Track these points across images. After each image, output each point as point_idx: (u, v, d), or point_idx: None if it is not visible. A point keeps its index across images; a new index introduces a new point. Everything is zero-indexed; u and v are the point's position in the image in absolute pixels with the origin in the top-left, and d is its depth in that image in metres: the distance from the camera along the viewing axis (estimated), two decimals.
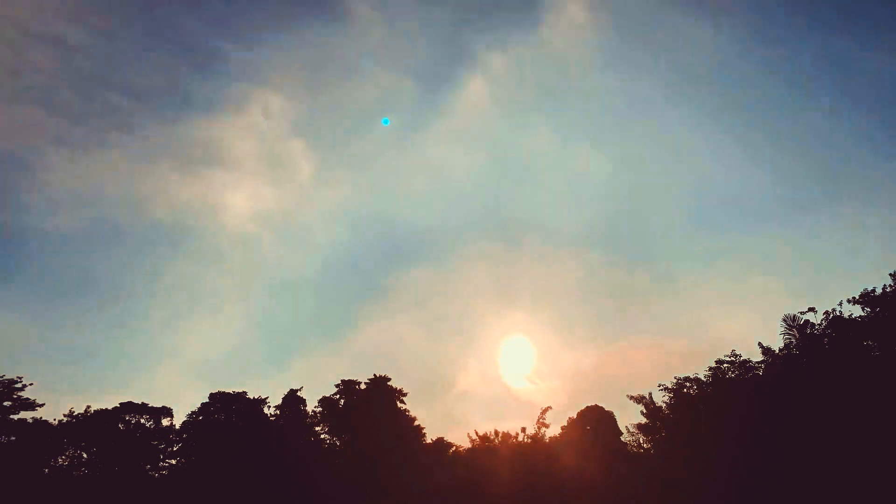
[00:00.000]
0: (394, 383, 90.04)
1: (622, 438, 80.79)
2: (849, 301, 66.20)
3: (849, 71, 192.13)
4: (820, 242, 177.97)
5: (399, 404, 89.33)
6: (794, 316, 68.89)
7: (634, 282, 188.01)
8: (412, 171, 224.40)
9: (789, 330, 69.03)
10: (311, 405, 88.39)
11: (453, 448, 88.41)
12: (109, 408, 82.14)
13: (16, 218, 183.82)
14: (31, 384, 75.54)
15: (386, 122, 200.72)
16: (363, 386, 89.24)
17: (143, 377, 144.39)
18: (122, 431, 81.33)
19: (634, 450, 79.38)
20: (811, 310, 68.81)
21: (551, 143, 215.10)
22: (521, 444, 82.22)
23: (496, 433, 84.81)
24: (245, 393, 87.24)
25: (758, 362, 71.46)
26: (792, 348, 68.51)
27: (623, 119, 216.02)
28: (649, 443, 78.93)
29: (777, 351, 69.91)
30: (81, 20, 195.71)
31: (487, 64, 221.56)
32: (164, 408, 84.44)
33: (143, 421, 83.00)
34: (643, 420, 79.69)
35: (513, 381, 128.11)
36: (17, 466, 72.44)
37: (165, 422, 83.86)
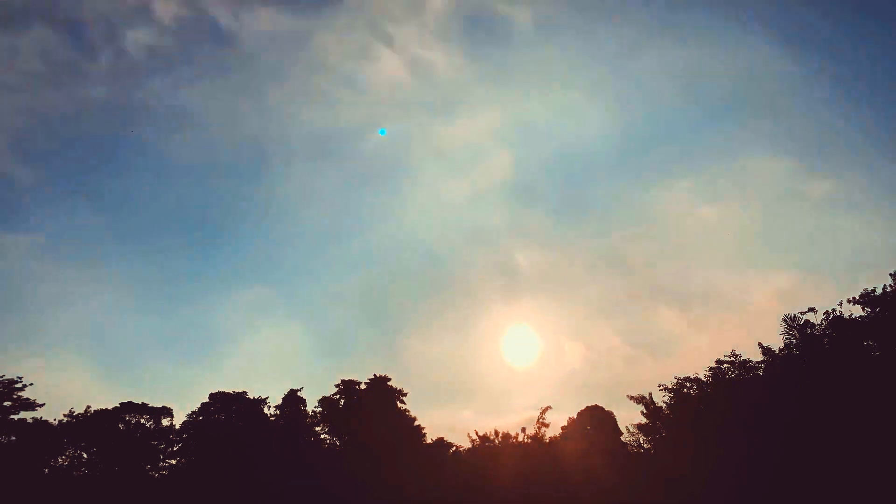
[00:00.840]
0: (394, 383, 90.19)
1: (622, 438, 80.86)
2: (849, 301, 66.44)
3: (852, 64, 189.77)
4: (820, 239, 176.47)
5: (399, 404, 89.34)
6: (795, 316, 69.10)
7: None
8: None
9: (789, 330, 69.22)
10: (311, 405, 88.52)
11: (453, 448, 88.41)
12: (109, 408, 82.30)
13: None
14: (31, 384, 75.75)
15: (383, 132, 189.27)
16: (363, 386, 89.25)
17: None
18: (122, 431, 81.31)
19: (634, 450, 79.48)
20: (811, 310, 69.05)
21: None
22: (521, 444, 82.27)
23: (496, 433, 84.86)
24: (245, 393, 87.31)
25: (758, 362, 71.66)
26: (792, 348, 68.70)
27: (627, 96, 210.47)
28: (649, 443, 79.07)
29: (777, 351, 70.11)
30: None
31: None
32: (163, 408, 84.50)
33: (143, 421, 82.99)
34: (643, 420, 79.91)
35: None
36: (17, 466, 72.39)
37: (165, 422, 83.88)
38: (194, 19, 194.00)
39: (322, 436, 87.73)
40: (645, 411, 79.21)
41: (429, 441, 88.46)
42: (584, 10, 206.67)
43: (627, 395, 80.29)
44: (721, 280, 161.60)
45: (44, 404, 76.64)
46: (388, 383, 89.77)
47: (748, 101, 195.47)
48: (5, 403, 74.66)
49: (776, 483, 59.04)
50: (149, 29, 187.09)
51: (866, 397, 56.47)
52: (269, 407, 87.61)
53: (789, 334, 69.22)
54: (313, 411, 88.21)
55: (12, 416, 75.22)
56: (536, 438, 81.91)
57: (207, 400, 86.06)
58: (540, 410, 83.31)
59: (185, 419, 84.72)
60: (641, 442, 79.92)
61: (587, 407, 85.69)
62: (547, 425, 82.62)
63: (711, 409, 70.16)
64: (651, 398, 78.64)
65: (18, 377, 75.19)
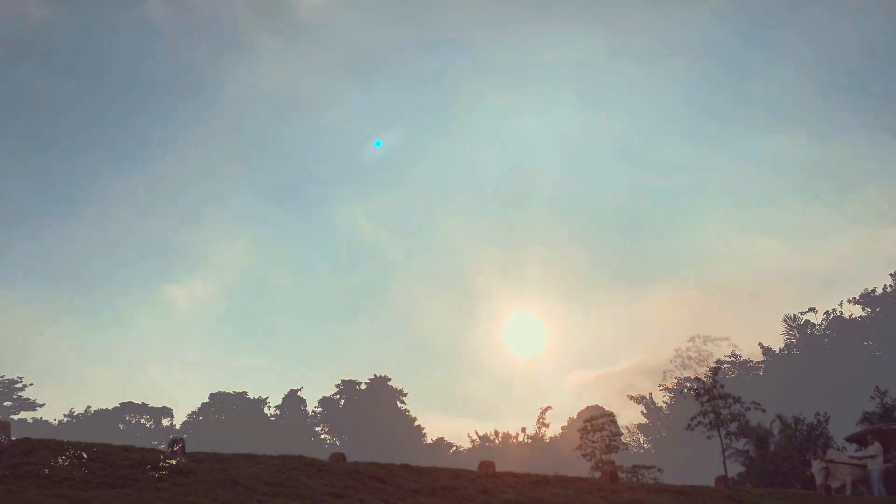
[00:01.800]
0: (393, 383, 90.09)
1: (622, 438, 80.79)
2: (849, 301, 66.56)
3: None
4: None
5: (399, 404, 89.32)
6: (795, 316, 69.20)
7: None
8: None
9: (789, 330, 69.30)
10: (311, 405, 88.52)
11: (454, 448, 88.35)
12: (109, 408, 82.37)
13: None
14: (31, 384, 75.78)
15: (378, 143, 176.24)
16: (363, 386, 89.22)
17: None
18: (122, 431, 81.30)
19: (634, 450, 79.48)
20: (811, 310, 69.16)
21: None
22: (521, 444, 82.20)
23: (496, 433, 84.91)
24: (245, 393, 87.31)
25: (758, 362, 71.75)
26: (792, 348, 68.77)
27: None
28: (649, 443, 79.07)
29: (777, 351, 70.18)
30: None
31: None
32: (164, 408, 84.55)
33: (143, 421, 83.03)
34: (643, 420, 79.86)
35: None
36: None
37: (165, 422, 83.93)
38: None
39: (322, 436, 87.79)
40: (645, 411, 79.23)
41: (429, 441, 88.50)
42: None
43: (627, 395, 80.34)
44: None
45: (44, 404, 76.82)
46: (388, 383, 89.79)
47: None
48: (5, 403, 74.70)
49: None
50: None
51: (866, 397, 56.44)
52: (269, 407, 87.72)
53: (789, 334, 69.30)
54: (313, 411, 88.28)
55: (12, 416, 75.18)
56: (536, 438, 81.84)
57: (207, 400, 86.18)
58: (540, 410, 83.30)
59: (185, 419, 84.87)
60: (641, 442, 79.95)
61: (587, 407, 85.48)
62: (547, 425, 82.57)
63: None
64: (651, 398, 78.69)
65: (19, 377, 75.37)
